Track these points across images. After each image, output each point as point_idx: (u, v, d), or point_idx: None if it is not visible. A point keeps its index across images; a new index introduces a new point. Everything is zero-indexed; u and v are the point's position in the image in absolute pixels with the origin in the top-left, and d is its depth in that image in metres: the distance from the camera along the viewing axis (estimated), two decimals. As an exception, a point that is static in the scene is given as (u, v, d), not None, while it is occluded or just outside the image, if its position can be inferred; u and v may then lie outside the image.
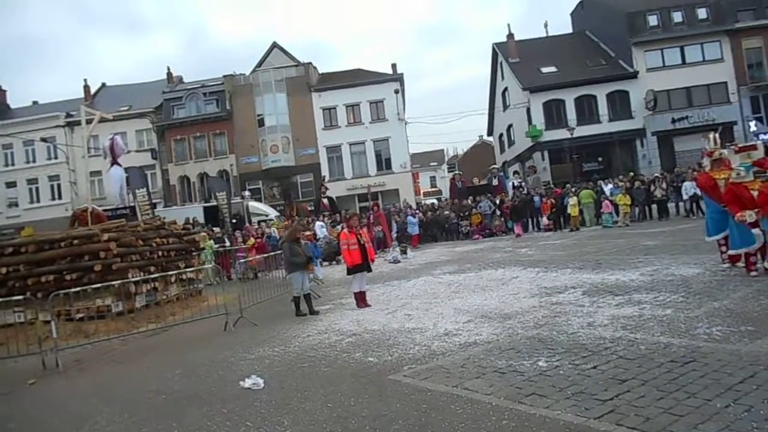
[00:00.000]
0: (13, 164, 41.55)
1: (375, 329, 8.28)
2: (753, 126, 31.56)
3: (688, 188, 20.36)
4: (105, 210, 18.54)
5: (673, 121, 34.85)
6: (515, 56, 40.25)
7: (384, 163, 39.95)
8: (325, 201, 34.41)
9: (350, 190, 39.15)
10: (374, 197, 38.13)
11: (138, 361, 8.35)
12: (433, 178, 76.04)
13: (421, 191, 59.51)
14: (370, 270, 10.82)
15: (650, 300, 7.81)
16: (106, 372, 7.90)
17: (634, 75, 35.62)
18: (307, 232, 15.90)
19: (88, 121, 14.62)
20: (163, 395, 6.23)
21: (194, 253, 15.38)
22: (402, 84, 40.70)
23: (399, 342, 7.30)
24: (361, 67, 43.50)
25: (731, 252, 9.00)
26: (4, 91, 45.85)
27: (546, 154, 36.73)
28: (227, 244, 20.56)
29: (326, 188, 37.35)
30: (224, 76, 41.22)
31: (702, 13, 35.96)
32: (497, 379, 5.29)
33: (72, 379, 7.71)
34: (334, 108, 39.90)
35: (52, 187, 41.05)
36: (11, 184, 41.42)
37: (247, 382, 6.08)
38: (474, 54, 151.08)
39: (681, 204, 22.07)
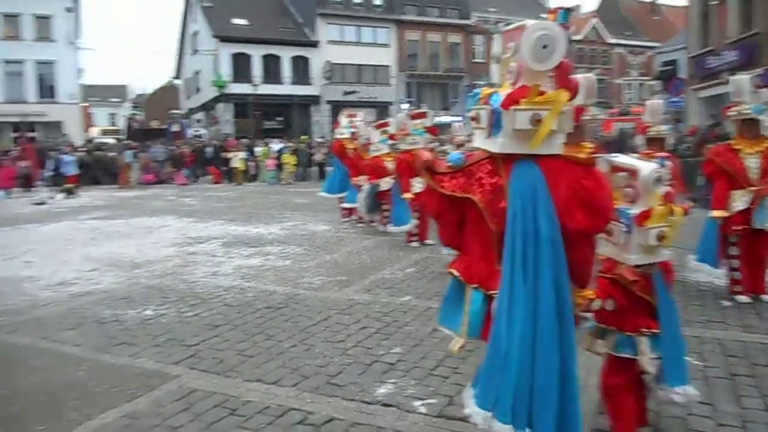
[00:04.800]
0: None
1: (-25, 278, 7.21)
2: (404, 107, 36.73)
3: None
4: None
5: (345, 93, 38.19)
6: (209, 0, 38.76)
7: (48, 91, 34.33)
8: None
9: (2, 116, 32.75)
10: (30, 128, 32.75)
11: None
12: (113, 116, 68.59)
13: (98, 128, 53.31)
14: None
15: (277, 252, 8.50)
16: None
17: (315, 44, 37.80)
18: None
19: None
20: None
21: None
22: (77, 2, 35.43)
23: (1, 292, 6.50)
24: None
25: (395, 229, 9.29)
26: None
27: (231, 106, 36.59)
28: None
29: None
30: None
31: (378, -1, 40.04)
32: (94, 329, 5.13)
33: None
34: (-14, 15, 32.61)
35: None
36: None
37: None
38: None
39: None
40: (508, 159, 2.41)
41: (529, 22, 2.37)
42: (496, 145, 2.42)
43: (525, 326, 2.30)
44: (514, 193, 2.37)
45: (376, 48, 39.42)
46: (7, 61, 33.06)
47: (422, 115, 9.12)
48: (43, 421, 3.45)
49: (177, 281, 6.84)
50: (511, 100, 2.30)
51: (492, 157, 2.48)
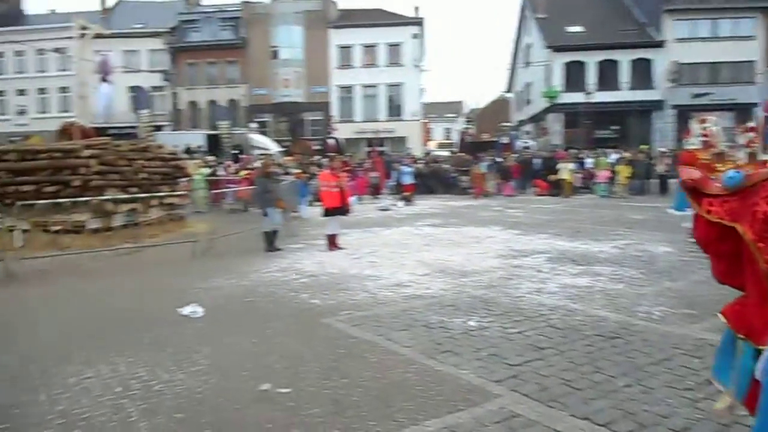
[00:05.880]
0: (24, 72, 41.41)
1: (333, 272, 8.32)
2: (773, 110, 30.59)
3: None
4: (111, 127, 18.42)
5: (694, 96, 33.77)
6: (543, 11, 38.86)
7: (395, 110, 39.44)
8: (331, 142, 34.20)
9: (359, 133, 38.80)
10: (380, 143, 37.82)
11: (99, 277, 8.48)
12: (448, 130, 74.83)
13: (435, 142, 58.82)
14: (345, 214, 10.86)
15: (608, 273, 7.75)
16: (64, 285, 8.04)
17: (660, 44, 34.33)
18: (296, 170, 15.84)
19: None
20: (101, 314, 6.34)
21: (181, 180, 15.36)
22: (422, 29, 39.72)
23: (350, 287, 7.34)
24: (381, 8, 42.25)
25: None
26: (20, -4, 45.21)
27: (561, 117, 35.93)
28: (222, 173, 20.59)
29: (333, 128, 37.11)
30: (243, 2, 40.27)
31: (741, -15, 34.34)
32: (423, 333, 5.32)
33: (26, 288, 7.85)
34: (351, 47, 39.09)
35: (61, 98, 40.90)
36: (22, 92, 41.37)
37: (186, 310, 6.16)
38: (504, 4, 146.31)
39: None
40: None
41: None
42: None
43: None
44: None
45: (737, 42, 33.71)
46: (365, 86, 39.02)
47: None
48: (375, 417, 3.61)
49: (501, 294, 6.75)
50: None
51: None
